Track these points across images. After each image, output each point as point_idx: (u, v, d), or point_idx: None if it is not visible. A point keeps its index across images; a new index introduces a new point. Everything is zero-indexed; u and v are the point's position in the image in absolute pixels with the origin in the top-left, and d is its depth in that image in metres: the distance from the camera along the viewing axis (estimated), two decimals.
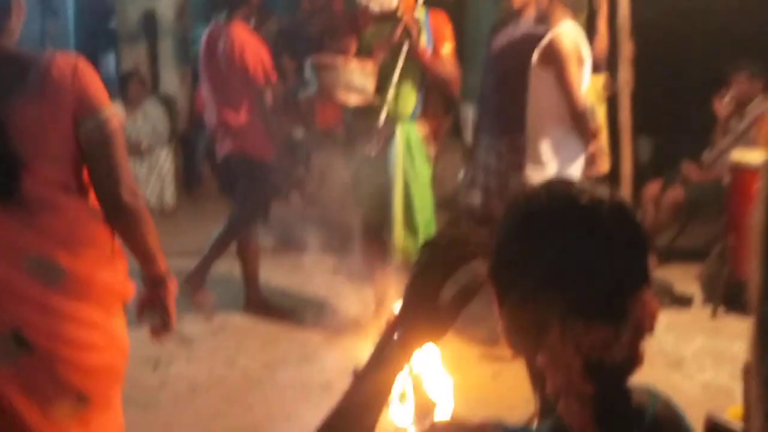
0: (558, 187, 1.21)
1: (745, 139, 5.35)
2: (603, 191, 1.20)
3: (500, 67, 4.52)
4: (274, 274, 5.26)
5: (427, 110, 4.34)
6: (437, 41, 4.16)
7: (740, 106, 5.44)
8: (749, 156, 4.83)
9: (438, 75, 4.19)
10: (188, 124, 7.67)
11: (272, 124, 4.77)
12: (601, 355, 1.12)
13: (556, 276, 1.15)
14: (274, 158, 4.84)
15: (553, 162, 4.02)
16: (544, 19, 4.11)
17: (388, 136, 4.21)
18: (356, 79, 4.04)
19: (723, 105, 5.49)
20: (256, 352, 4.43)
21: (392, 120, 4.18)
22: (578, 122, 3.95)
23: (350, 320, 4.57)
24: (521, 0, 4.41)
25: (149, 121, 7.04)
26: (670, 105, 6.24)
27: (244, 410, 3.85)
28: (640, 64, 5.01)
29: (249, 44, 4.64)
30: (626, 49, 4.88)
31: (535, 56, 4.04)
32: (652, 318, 1.16)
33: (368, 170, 4.26)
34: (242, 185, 4.79)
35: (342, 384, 1.33)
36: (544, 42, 4.01)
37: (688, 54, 6.28)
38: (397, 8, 4.08)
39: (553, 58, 3.95)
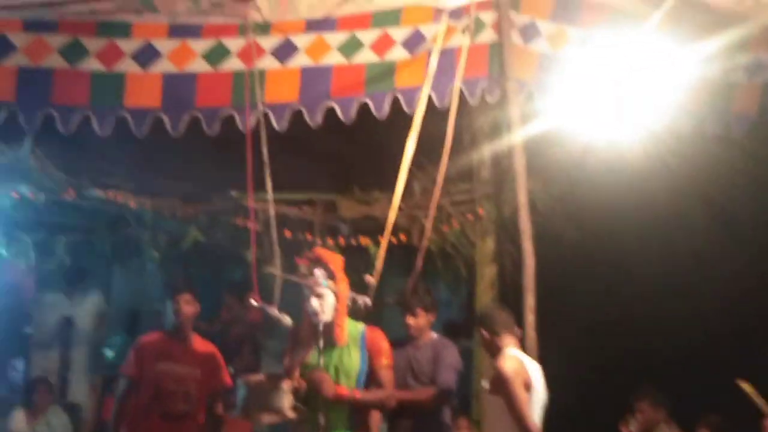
0: None
1: None
2: None
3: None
4: None
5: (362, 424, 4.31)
6: (374, 356, 4.26)
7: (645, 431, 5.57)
8: None
9: (365, 403, 4.24)
10: None
11: None
12: None
13: None
14: None
15: None
16: (493, 350, 4.32)
17: None
18: (272, 400, 4.09)
19: (629, 431, 5.60)
20: None
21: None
22: None
23: None
24: (418, 328, 4.76)
25: (51, 430, 6.74)
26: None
27: None
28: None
29: None
30: None
31: (486, 384, 4.21)
32: None
33: None
34: None
35: None
36: (493, 371, 4.19)
37: (595, 377, 6.49)
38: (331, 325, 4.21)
39: (500, 385, 4.07)
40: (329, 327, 4.21)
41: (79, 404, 7.44)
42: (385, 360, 4.29)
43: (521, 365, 4.20)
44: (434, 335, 4.88)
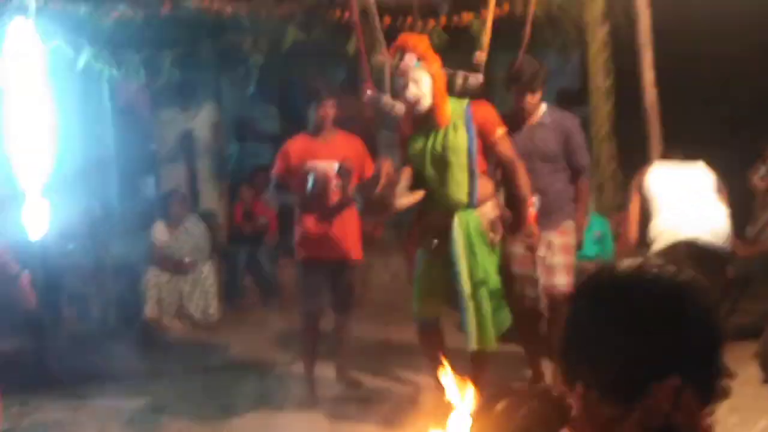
0: (623, 270, 1.26)
1: None
2: (671, 275, 1.22)
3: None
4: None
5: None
6: (486, 131, 4.18)
7: None
8: None
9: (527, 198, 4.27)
10: (228, 238, 7.79)
11: None
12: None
13: (590, 350, 1.22)
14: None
15: None
16: None
17: (443, 227, 4.22)
18: (384, 199, 4.18)
19: (760, 179, 5.45)
20: None
21: (447, 211, 4.21)
22: None
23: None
24: (532, 105, 4.60)
25: (191, 237, 7.16)
26: None
27: None
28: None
29: None
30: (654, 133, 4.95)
31: None
32: (673, 408, 1.16)
33: (427, 264, 4.33)
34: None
35: None
36: None
37: (722, 129, 6.28)
38: (431, 107, 4.16)
39: None
40: (430, 111, 4.16)
41: (212, 211, 7.82)
42: (499, 131, 4.20)
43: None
44: (546, 107, 4.70)
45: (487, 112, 4.21)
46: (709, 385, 1.21)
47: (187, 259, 7.06)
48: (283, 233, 7.17)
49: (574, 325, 1.26)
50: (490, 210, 4.24)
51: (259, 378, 5.60)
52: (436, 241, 4.23)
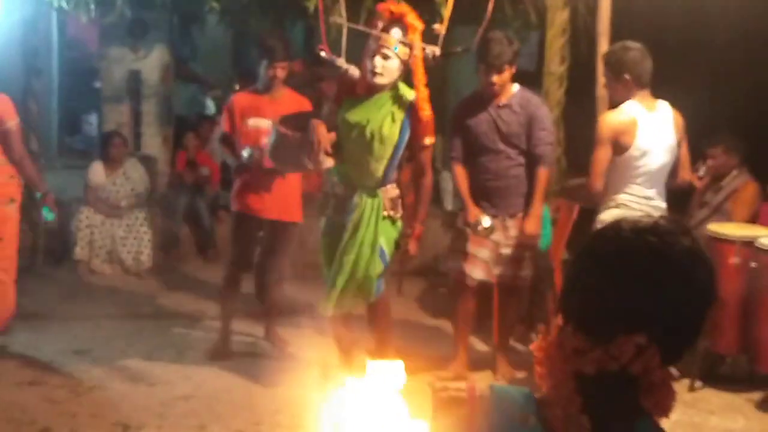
0: (620, 226, 1.33)
1: (721, 211, 5.41)
2: (659, 232, 1.29)
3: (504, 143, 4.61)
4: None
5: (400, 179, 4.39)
6: (420, 132, 4.17)
7: (716, 179, 5.51)
8: (726, 228, 4.87)
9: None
10: (168, 185, 7.65)
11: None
12: (575, 361, 1.26)
13: (577, 286, 1.34)
14: None
15: None
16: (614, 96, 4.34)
17: (344, 201, 4.26)
18: (295, 154, 4.21)
19: (698, 178, 5.56)
20: (228, 418, 4.34)
21: (353, 187, 4.24)
22: None
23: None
24: (499, 84, 4.50)
25: (129, 181, 7.01)
26: None
27: None
28: None
29: None
30: None
31: None
32: (631, 361, 1.24)
33: (327, 234, 4.37)
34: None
35: None
36: None
37: None
38: (384, 87, 4.16)
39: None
40: (381, 89, 4.11)
41: (153, 156, 7.66)
42: (428, 140, 4.21)
43: (622, 122, 4.15)
44: (516, 88, 4.59)
45: (427, 116, 4.16)
46: (677, 351, 1.29)
47: (123, 203, 6.93)
48: (224, 186, 7.08)
49: (575, 264, 1.35)
50: (392, 189, 4.27)
51: (185, 329, 5.56)
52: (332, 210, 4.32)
